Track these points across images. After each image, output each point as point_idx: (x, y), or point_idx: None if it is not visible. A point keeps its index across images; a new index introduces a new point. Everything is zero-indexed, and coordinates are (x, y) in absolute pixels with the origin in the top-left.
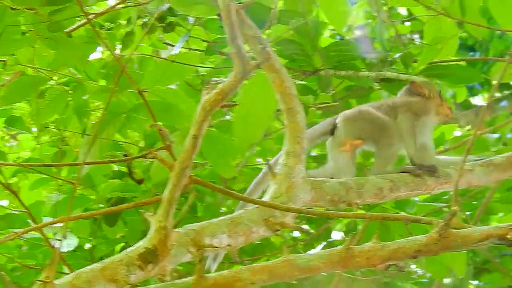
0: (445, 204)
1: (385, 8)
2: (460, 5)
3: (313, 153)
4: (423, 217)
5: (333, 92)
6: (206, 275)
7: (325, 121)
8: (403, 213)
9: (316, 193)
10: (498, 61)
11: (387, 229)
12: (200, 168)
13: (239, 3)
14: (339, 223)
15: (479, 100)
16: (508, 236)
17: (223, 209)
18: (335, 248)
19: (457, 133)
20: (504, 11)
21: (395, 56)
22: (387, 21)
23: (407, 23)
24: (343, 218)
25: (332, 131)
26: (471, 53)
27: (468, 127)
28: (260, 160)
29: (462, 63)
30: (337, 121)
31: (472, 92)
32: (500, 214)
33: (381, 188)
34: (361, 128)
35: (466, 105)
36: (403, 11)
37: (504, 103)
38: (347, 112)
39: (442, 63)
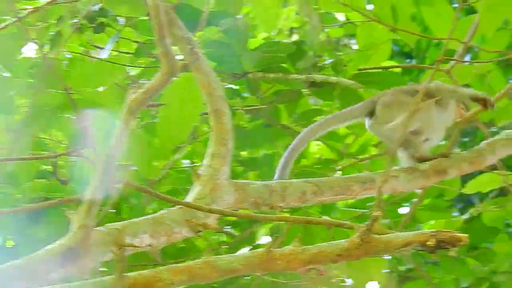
0: (368, 210)
1: (316, 12)
2: (392, 12)
3: (240, 158)
4: (346, 222)
5: (262, 95)
6: (126, 274)
7: (363, 103)
8: (326, 217)
9: (240, 195)
10: (428, 68)
11: (310, 233)
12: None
13: (170, 3)
14: (265, 227)
15: None
16: (429, 243)
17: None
18: (256, 250)
19: None
20: (438, 20)
21: (326, 62)
22: (318, 25)
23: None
24: (266, 221)
25: (370, 113)
26: (408, 60)
27: None
28: (188, 162)
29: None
30: (377, 106)
31: None
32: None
33: (305, 191)
34: (395, 115)
35: None
36: (340, 16)
37: None
38: (385, 99)
39: (372, 70)
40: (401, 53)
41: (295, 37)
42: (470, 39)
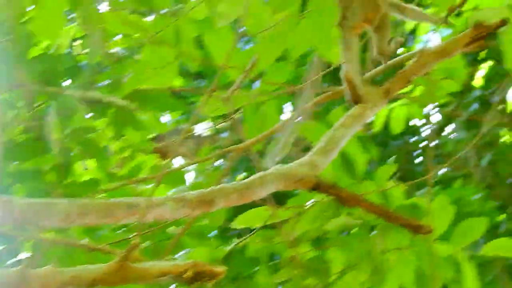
0: (132, 236)
1: (99, 29)
2: (175, 35)
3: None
4: (106, 247)
5: (35, 109)
6: None
7: None
8: (86, 240)
9: (3, 211)
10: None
11: (71, 255)
12: None
13: None
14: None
15: (201, 129)
16: (186, 275)
17: None
18: (11, 269)
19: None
20: (219, 47)
21: (105, 81)
22: (100, 42)
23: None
24: (27, 240)
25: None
26: (198, 81)
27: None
28: None
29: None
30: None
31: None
32: None
33: (69, 213)
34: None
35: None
36: None
37: (225, 134)
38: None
39: (147, 90)
40: (192, 73)
41: (78, 51)
42: (250, 68)
